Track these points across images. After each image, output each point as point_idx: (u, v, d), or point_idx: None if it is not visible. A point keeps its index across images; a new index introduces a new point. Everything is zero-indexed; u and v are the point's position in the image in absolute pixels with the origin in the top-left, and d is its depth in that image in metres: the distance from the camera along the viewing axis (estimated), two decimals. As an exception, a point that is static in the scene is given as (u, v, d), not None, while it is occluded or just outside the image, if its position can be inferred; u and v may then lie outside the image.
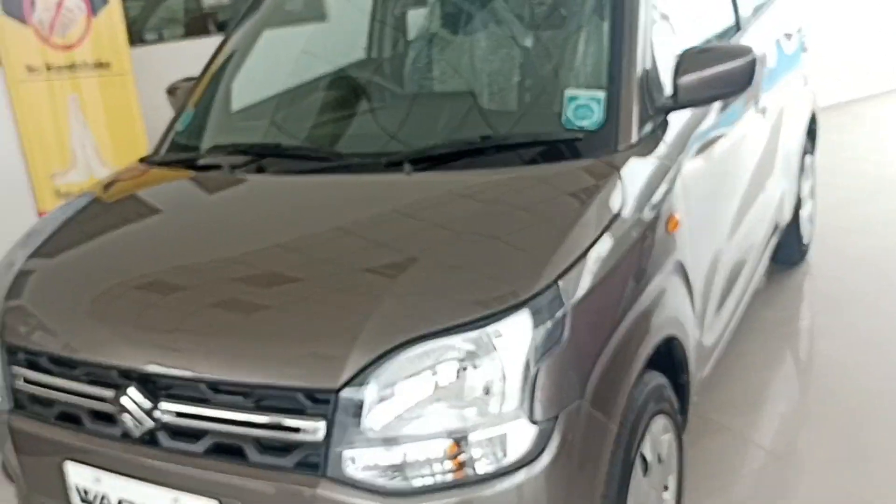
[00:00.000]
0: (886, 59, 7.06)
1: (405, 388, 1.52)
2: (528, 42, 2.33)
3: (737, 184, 2.60)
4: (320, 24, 2.94)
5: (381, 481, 1.52)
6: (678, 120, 2.18)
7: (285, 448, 1.56)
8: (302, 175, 2.08)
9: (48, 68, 4.29)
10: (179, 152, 2.45)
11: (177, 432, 1.66)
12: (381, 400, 1.52)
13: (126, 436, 1.69)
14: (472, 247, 1.70)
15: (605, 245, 1.73)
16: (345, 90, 2.55)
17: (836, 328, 3.39)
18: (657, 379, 1.95)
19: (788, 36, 3.47)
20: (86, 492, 1.75)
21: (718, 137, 2.43)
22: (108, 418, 1.71)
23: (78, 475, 1.76)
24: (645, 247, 1.86)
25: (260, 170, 2.15)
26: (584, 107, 2.03)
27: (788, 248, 3.88)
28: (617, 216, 1.79)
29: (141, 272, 1.86)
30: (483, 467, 1.53)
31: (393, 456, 1.52)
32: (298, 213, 1.97)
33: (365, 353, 1.51)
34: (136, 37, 4.73)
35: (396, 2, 2.81)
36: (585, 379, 1.61)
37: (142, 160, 2.46)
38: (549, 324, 1.56)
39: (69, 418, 1.78)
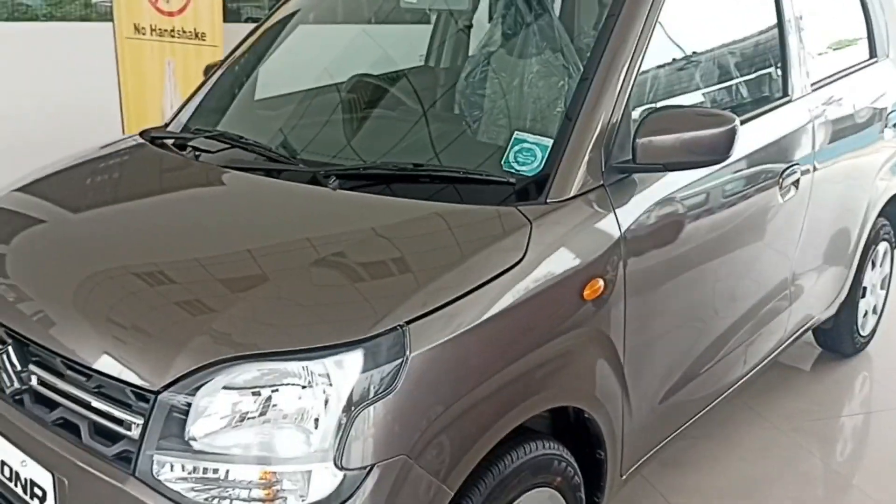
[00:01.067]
0: None
1: (226, 404, 1.50)
2: (498, 78, 2.24)
3: (730, 266, 2.38)
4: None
5: (190, 493, 1.51)
6: (647, 183, 2.04)
7: (111, 437, 1.59)
8: (244, 172, 2.11)
9: (152, 30, 4.58)
10: (180, 130, 2.55)
11: (38, 398, 1.72)
12: (203, 412, 1.51)
13: (1, 391, 1.77)
14: (338, 274, 1.66)
15: (483, 296, 1.63)
16: (333, 97, 2.57)
17: (847, 439, 3.08)
18: (546, 450, 1.84)
19: (864, 111, 3.15)
20: (-34, 436, 1.86)
21: (709, 212, 2.24)
22: (-7, 372, 1.80)
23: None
24: (544, 307, 1.75)
25: (221, 160, 2.20)
26: (527, 151, 1.93)
27: (839, 339, 3.55)
28: (510, 269, 1.69)
29: (52, 238, 1.97)
30: (290, 501, 1.49)
31: (206, 471, 1.51)
32: (210, 206, 2.01)
33: (189, 360, 1.50)
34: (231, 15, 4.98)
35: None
36: (418, 434, 1.53)
37: (141, 133, 2.57)
38: (383, 369, 1.50)
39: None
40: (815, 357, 3.67)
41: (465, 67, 2.47)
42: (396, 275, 1.66)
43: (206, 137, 2.35)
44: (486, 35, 2.66)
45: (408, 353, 1.52)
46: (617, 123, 1.97)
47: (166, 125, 2.70)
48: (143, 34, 4.60)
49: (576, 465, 1.95)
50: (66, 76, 4.82)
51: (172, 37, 4.55)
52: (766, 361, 2.86)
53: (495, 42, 2.54)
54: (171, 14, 4.51)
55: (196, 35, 4.50)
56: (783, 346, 2.98)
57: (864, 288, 3.53)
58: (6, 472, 1.76)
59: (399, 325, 1.52)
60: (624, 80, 1.99)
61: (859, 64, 3.23)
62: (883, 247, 3.60)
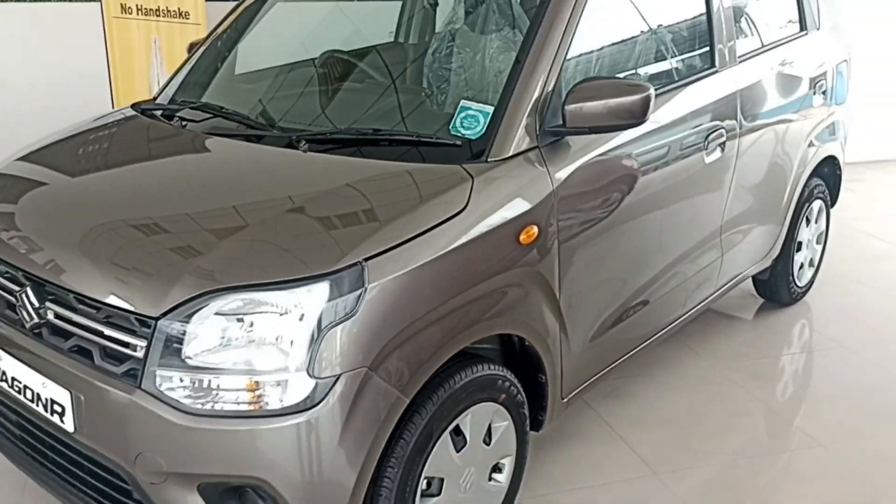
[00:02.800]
0: None
1: (216, 328, 1.81)
2: (451, 53, 2.54)
3: (656, 216, 2.69)
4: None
5: (187, 401, 1.83)
6: (578, 144, 2.35)
7: (120, 359, 1.89)
8: (226, 138, 2.41)
9: (138, 10, 4.82)
10: (167, 102, 2.84)
11: (54, 330, 2.03)
12: (196, 334, 1.82)
13: (23, 326, 2.07)
14: (305, 222, 1.97)
15: (430, 239, 1.95)
16: (306, 71, 2.87)
17: (780, 377, 3.43)
18: (490, 370, 2.16)
19: (793, 80, 3.46)
20: (-8, 366, 2.16)
21: (635, 169, 2.55)
22: (14, 310, 2.10)
23: (-12, 353, 2.17)
24: (484, 249, 2.06)
25: (204, 128, 2.50)
26: (472, 117, 2.23)
27: (776, 289, 3.89)
28: (453, 216, 2.00)
29: (62, 194, 2.28)
30: (271, 405, 1.81)
31: (201, 382, 1.82)
32: (196, 168, 2.33)
33: (182, 292, 1.82)
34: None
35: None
36: (376, 350, 1.85)
37: (134, 105, 2.85)
38: (345, 297, 1.81)
39: (-9, 306, 2.19)
40: (757, 307, 4.01)
41: (432, 43, 2.76)
42: (356, 221, 1.97)
43: (192, 108, 2.65)
44: (451, 13, 2.95)
45: (366, 284, 1.83)
46: (550, 93, 2.27)
47: (154, 98, 2.99)
48: (130, 14, 4.85)
49: (519, 385, 2.28)
50: (56, 54, 5.07)
51: (157, 16, 4.80)
52: (700, 306, 3.19)
53: (458, 19, 2.84)
54: (156, -6, 4.77)
55: (180, 14, 4.76)
56: (718, 293, 3.31)
57: (800, 242, 3.86)
58: (28, 394, 2.06)
59: (359, 262, 1.84)
60: (556, 55, 2.29)
61: (790, 36, 3.54)
62: (817, 204, 3.93)
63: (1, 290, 2.15)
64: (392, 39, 3.54)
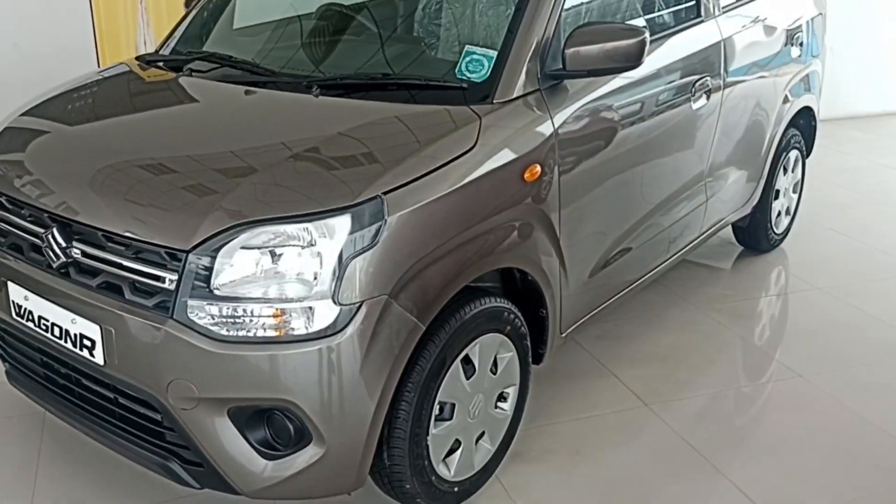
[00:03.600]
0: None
1: (244, 260, 1.91)
2: (455, 1, 2.64)
3: (648, 159, 2.82)
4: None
5: (217, 329, 1.93)
6: (576, 87, 2.46)
7: (150, 292, 1.99)
8: (237, 84, 2.48)
9: (123, -30, 4.81)
10: (169, 54, 2.90)
11: (82, 269, 2.11)
12: (225, 266, 1.92)
13: (49, 266, 2.15)
14: (328, 158, 2.08)
15: (443, 175, 2.06)
16: (308, 23, 2.94)
17: (760, 317, 3.60)
18: (497, 303, 2.29)
19: (772, 31, 3.59)
20: (19, 307, 2.24)
21: (629, 112, 2.67)
22: (39, 251, 2.18)
23: (15, 293, 2.24)
24: (492, 186, 2.18)
25: (213, 76, 2.57)
26: (477, 62, 2.34)
27: (755, 236, 4.06)
28: (463, 154, 2.12)
29: (81, 142, 2.35)
30: (297, 331, 1.92)
31: (230, 311, 1.93)
32: (214, 113, 2.42)
33: (213, 225, 1.91)
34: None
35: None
36: (395, 279, 1.96)
37: (138, 57, 2.91)
38: (366, 229, 1.92)
39: (15, 248, 2.26)
40: (736, 255, 4.18)
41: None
42: (373, 160, 2.08)
43: (198, 59, 2.71)
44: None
45: (386, 216, 1.94)
46: (550, 38, 2.38)
47: (157, 51, 3.04)
48: (115, -26, 4.85)
49: (522, 318, 2.41)
50: (40, 15, 5.03)
51: (143, -24, 4.80)
52: (687, 248, 3.34)
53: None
54: (141, -46, 4.76)
55: (167, -26, 4.76)
56: (703, 236, 3.46)
57: (777, 191, 4.03)
58: (56, 332, 2.15)
59: (378, 195, 1.95)
60: (555, 2, 2.40)
61: (768, -10, 3.67)
62: (794, 154, 4.09)
63: (26, 234, 2.23)
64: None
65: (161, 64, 2.80)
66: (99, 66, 5.13)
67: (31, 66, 4.97)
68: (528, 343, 2.47)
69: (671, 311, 3.57)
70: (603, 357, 3.19)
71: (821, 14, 4.04)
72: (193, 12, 3.13)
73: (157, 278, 1.97)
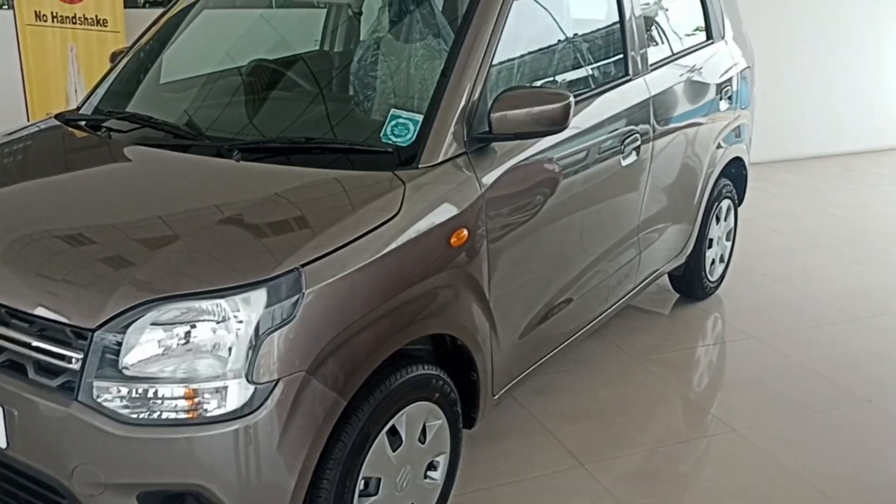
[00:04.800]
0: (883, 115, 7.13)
1: (153, 338, 1.83)
2: (384, 61, 2.62)
3: (578, 217, 2.82)
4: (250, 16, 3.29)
5: (125, 411, 1.84)
6: (503, 149, 2.45)
7: (55, 372, 1.89)
8: (157, 148, 2.41)
9: (54, 17, 4.72)
10: (91, 113, 2.81)
11: (-13, 346, 2.01)
12: (134, 345, 1.84)
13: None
14: (243, 229, 2.02)
15: (365, 244, 2.01)
16: (237, 79, 2.88)
17: (696, 367, 3.61)
18: (424, 370, 2.24)
19: (701, 86, 3.66)
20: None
21: (558, 172, 2.67)
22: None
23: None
24: (417, 253, 2.14)
25: (133, 139, 2.50)
26: (402, 125, 2.31)
27: (691, 284, 4.10)
28: (387, 221, 2.07)
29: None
30: (211, 411, 1.84)
31: (139, 392, 1.84)
32: (132, 178, 2.34)
33: (120, 301, 1.83)
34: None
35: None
36: (314, 354, 1.90)
37: (57, 115, 2.82)
38: (283, 304, 1.86)
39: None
40: (673, 302, 4.21)
41: (357, 52, 2.83)
42: (292, 228, 2.02)
43: (119, 118, 2.64)
44: (375, 22, 3.02)
45: (304, 289, 1.88)
46: (476, 101, 2.37)
47: (78, 108, 2.95)
48: (45, 21, 4.74)
49: (452, 384, 2.36)
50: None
51: (74, 23, 4.71)
52: (621, 302, 3.35)
53: (383, 28, 2.91)
54: (71, 2, 4.67)
55: (98, 21, 4.68)
56: (636, 290, 3.47)
57: (711, 239, 4.08)
58: (-44, 411, 2.03)
59: (296, 268, 1.89)
60: (481, 65, 2.39)
61: (697, 46, 3.74)
62: (726, 203, 4.15)
63: None
64: (318, 48, 3.59)
65: (82, 123, 2.71)
66: (28, 116, 5.01)
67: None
68: (459, 408, 2.42)
69: (608, 363, 3.56)
70: (540, 413, 3.15)
71: (749, 67, 4.13)
72: (119, 67, 3.06)
73: (62, 357, 1.87)
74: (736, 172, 4.20)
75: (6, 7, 4.85)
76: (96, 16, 4.66)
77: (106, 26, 4.67)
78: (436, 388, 2.29)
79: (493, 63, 2.47)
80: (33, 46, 4.79)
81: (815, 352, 3.70)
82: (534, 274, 2.68)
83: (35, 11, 4.73)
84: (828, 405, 3.27)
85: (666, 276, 4.01)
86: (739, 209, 4.35)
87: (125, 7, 4.84)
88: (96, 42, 4.71)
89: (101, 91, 2.96)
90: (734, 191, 4.20)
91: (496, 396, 2.61)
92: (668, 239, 3.61)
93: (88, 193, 2.27)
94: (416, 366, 2.22)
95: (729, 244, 4.32)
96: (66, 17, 4.70)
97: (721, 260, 4.25)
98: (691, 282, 4.07)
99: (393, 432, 2.20)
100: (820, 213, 5.67)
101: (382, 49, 2.79)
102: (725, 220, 4.18)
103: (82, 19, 4.69)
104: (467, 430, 2.56)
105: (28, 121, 4.92)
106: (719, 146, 3.86)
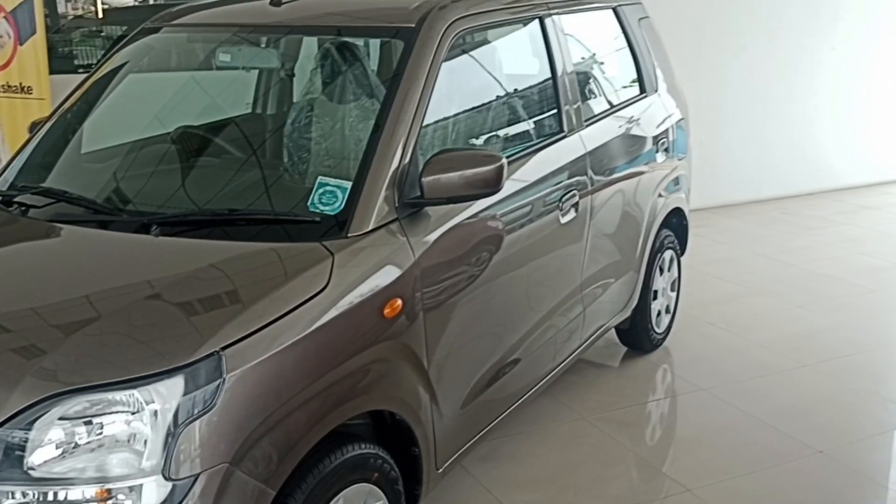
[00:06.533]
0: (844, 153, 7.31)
1: (61, 434, 1.69)
2: (310, 123, 2.54)
3: (518, 278, 2.75)
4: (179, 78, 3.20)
5: (34, 517, 1.68)
6: (437, 213, 2.38)
7: (-45, 473, 1.73)
8: (73, 224, 2.28)
9: (-24, 85, 4.57)
10: (7, 188, 2.66)
11: None
12: (39, 443, 1.69)
13: None
14: (157, 311, 1.89)
15: (292, 321, 1.91)
16: (161, 147, 2.78)
17: (647, 424, 3.54)
18: (362, 450, 2.12)
19: (637, 139, 3.66)
20: None
21: (495, 233, 2.61)
22: None
23: None
24: (348, 327, 2.04)
25: (47, 215, 2.36)
26: (330, 193, 2.22)
27: (637, 337, 4.05)
28: (314, 296, 1.97)
29: None
30: (127, 513, 1.70)
31: (47, 495, 1.69)
32: (38, 258, 2.20)
33: (24, 396, 1.69)
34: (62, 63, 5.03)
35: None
36: (238, 443, 1.77)
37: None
38: (202, 390, 1.74)
39: None
40: (622, 355, 4.15)
41: (290, 115, 2.75)
42: (211, 308, 1.91)
43: (33, 193, 2.50)
44: (307, 84, 2.95)
45: (224, 374, 1.76)
46: (407, 164, 2.30)
47: (-8, 183, 2.80)
48: (-33, 89, 4.59)
49: (392, 461, 2.24)
50: None
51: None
52: (568, 360, 3.27)
53: (315, 90, 2.84)
54: (-5, 69, 4.54)
55: (22, 89, 4.54)
56: (583, 347, 3.41)
57: (655, 291, 4.05)
58: None
59: (216, 351, 1.77)
60: (410, 129, 2.33)
61: (631, 100, 3.75)
62: (668, 254, 4.13)
63: None
64: (249, 111, 3.51)
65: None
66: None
67: None
68: (401, 487, 2.30)
69: (558, 424, 3.46)
70: (489, 482, 3.03)
71: (684, 118, 4.16)
72: (37, 138, 2.92)
73: (-38, 460, 1.72)
74: (677, 222, 4.20)
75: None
76: (20, 83, 4.52)
77: (31, 93, 4.53)
78: (374, 467, 2.17)
79: (424, 124, 2.42)
80: (-45, 115, 4.64)
81: (764, 402, 3.66)
82: (475, 339, 2.59)
83: (-44, 80, 4.59)
84: (780, 458, 3.22)
85: (613, 331, 3.96)
86: (682, 259, 4.35)
87: (55, 73, 4.70)
88: (21, 110, 4.56)
89: (17, 164, 2.82)
90: (676, 241, 4.19)
91: (440, 470, 2.50)
92: (613, 293, 3.56)
93: (2, 276, 2.12)
94: (352, 445, 2.10)
95: (674, 294, 4.29)
96: (-10, 85, 4.56)
97: (667, 311, 4.22)
98: (638, 335, 4.03)
99: (330, 518, 2.08)
100: (761, 257, 5.72)
101: (315, 111, 2.72)
102: (669, 270, 4.17)
103: (6, 87, 4.55)
104: (411, 507, 2.44)
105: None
106: (659, 197, 3.86)
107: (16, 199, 2.47)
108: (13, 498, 1.68)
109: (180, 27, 3.12)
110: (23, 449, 1.69)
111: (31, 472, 1.68)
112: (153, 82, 3.39)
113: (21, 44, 4.47)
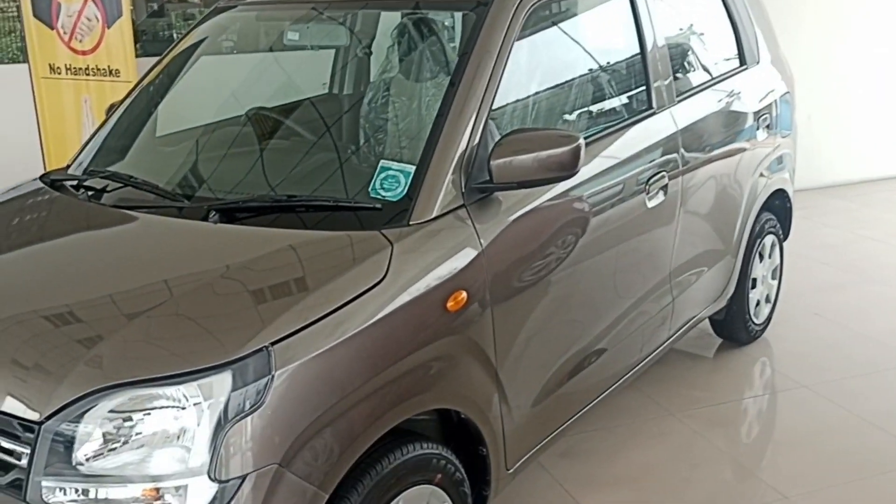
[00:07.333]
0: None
1: (110, 429, 1.64)
2: (386, 104, 2.41)
3: (598, 269, 2.57)
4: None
5: (80, 514, 1.64)
6: (511, 199, 2.22)
7: (4, 467, 1.71)
8: (133, 210, 2.23)
9: (67, 69, 4.66)
10: (81, 173, 2.66)
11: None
12: (87, 438, 1.64)
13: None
14: (208, 303, 1.81)
15: (346, 315, 1.79)
16: (233, 130, 2.71)
17: (741, 423, 3.30)
18: (423, 450, 2.00)
19: (736, 115, 3.39)
20: None
21: (573, 220, 2.43)
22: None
23: None
24: (407, 321, 1.91)
25: (110, 201, 2.33)
26: (392, 178, 2.10)
27: (733, 328, 3.79)
28: (371, 288, 1.85)
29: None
30: (173, 516, 1.63)
31: (93, 492, 1.64)
32: (95, 248, 2.15)
33: (70, 391, 1.64)
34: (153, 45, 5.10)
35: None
36: (288, 443, 1.68)
37: (42, 176, 2.67)
38: (251, 387, 1.65)
39: None
40: (717, 346, 3.90)
41: (366, 95, 2.63)
42: (262, 301, 1.81)
43: (101, 178, 2.48)
44: (383, 63, 2.83)
45: (273, 371, 1.67)
46: (476, 146, 2.15)
47: (67, 167, 2.81)
48: (59, 73, 4.69)
49: (456, 462, 2.11)
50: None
51: (87, 75, 4.63)
52: (656, 352, 3.06)
53: (391, 69, 2.71)
54: (84, 53, 4.60)
55: (110, 72, 4.59)
56: (673, 338, 3.19)
57: (754, 279, 3.77)
58: None
59: (264, 347, 1.67)
60: (480, 108, 2.17)
61: (730, 72, 3.47)
62: (770, 239, 3.84)
63: None
64: (326, 91, 3.42)
65: (67, 184, 2.55)
66: (45, 167, 4.95)
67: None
68: (467, 489, 2.17)
69: (644, 420, 3.27)
70: (566, 480, 2.87)
71: (789, 91, 3.84)
72: (112, 121, 2.91)
73: (10, 452, 1.69)
74: (779, 205, 3.89)
75: (21, 60, 4.83)
76: (108, 66, 4.57)
77: (118, 76, 4.57)
78: (437, 468, 2.05)
79: (497, 103, 2.26)
80: (48, 99, 4.74)
81: (872, 402, 3.35)
82: (551, 332, 2.43)
83: (49, 64, 4.68)
84: (889, 466, 2.92)
85: (707, 320, 3.71)
86: (785, 244, 4.04)
87: (143, 56, 4.76)
88: (109, 93, 4.60)
89: (93, 147, 2.82)
90: (778, 225, 3.89)
91: (511, 470, 2.35)
92: (707, 282, 3.32)
93: (54, 266, 2.09)
94: (414, 445, 1.98)
95: (775, 282, 3.99)
96: (79, 69, 4.63)
97: (767, 300, 3.93)
98: (734, 326, 3.76)
99: (390, 520, 1.97)
100: (872, 242, 5.28)
101: (392, 91, 2.60)
102: (770, 256, 3.87)
103: (95, 70, 4.61)
104: (480, 508, 2.31)
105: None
106: (760, 177, 3.57)
107: (83, 184, 2.46)
108: (60, 493, 1.64)
109: (254, 5, 3.05)
110: (70, 446, 1.64)
111: (79, 467, 1.64)
112: (228, 63, 3.36)
113: (108, 27, 4.52)
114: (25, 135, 4.81)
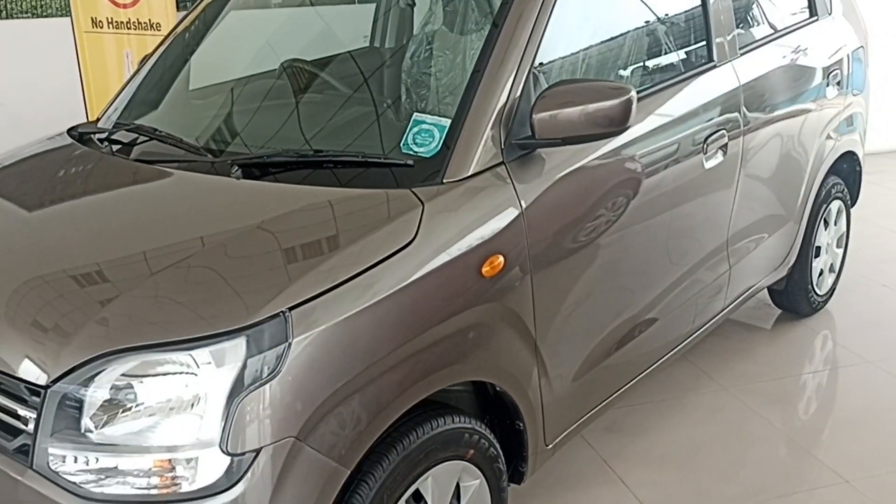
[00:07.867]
0: None
1: (116, 396, 1.54)
2: (416, 65, 2.25)
3: (648, 233, 2.38)
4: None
5: (85, 483, 1.55)
6: (555, 157, 2.05)
7: (13, 432, 1.63)
8: (158, 165, 2.13)
9: (109, 23, 4.59)
10: (110, 126, 2.56)
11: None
12: (95, 403, 1.55)
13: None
14: (223, 264, 1.69)
15: (371, 279, 1.66)
16: (267, 83, 2.58)
17: (799, 400, 3.10)
18: (454, 424, 1.87)
19: (804, 71, 3.14)
20: None
21: (622, 181, 2.25)
22: None
23: None
24: (438, 287, 1.77)
25: (135, 155, 2.23)
26: (426, 132, 1.94)
27: (794, 299, 3.57)
28: (399, 251, 1.71)
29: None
30: (182, 487, 1.54)
31: (100, 461, 1.55)
32: (110, 204, 2.05)
33: (77, 354, 1.55)
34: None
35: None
36: (306, 415, 1.56)
37: (70, 129, 2.59)
38: (268, 354, 1.53)
39: None
40: (775, 318, 3.69)
41: (409, 47, 2.47)
42: (280, 262, 1.69)
43: (127, 131, 2.38)
44: (426, 15, 2.66)
45: (291, 338, 1.55)
46: (517, 99, 1.98)
47: (97, 120, 2.72)
48: (101, 27, 4.62)
49: (491, 437, 1.98)
50: (27, 72, 4.85)
51: (128, 28, 4.56)
52: (710, 323, 2.88)
53: (434, 21, 2.54)
54: (125, 6, 4.53)
55: (151, 25, 4.51)
56: (729, 309, 3.00)
57: (818, 247, 3.54)
58: None
59: (281, 312, 1.55)
60: (522, 58, 2.00)
61: (798, 24, 3.21)
62: (836, 205, 3.60)
63: None
64: (367, 44, 3.27)
65: (94, 137, 2.46)
66: (87, 120, 4.91)
67: (17, 121, 4.77)
68: (502, 465, 2.04)
69: (694, 394, 3.09)
70: (610, 456, 2.73)
71: (862, 46, 3.56)
72: (143, 73, 2.81)
73: (17, 416, 1.61)
74: (848, 168, 3.64)
75: (64, 14, 4.77)
76: (149, 20, 4.49)
77: (159, 30, 4.49)
78: (469, 443, 1.92)
79: (542, 56, 2.08)
80: (91, 53, 4.68)
81: (946, 381, 3.13)
82: (597, 300, 2.26)
83: (91, 18, 4.61)
84: (963, 450, 2.72)
85: (766, 290, 3.50)
86: (852, 210, 3.78)
87: (183, 10, 4.67)
88: (150, 46, 4.52)
89: (124, 99, 2.72)
90: (846, 190, 3.64)
91: (550, 446, 2.22)
92: (767, 249, 3.11)
93: (78, 223, 1.99)
94: (444, 418, 1.85)
95: (840, 251, 3.75)
96: (121, 23, 4.55)
97: (831, 270, 3.69)
98: (795, 296, 3.53)
99: (417, 497, 1.86)
100: (950, 210, 4.97)
101: (435, 43, 2.43)
102: (836, 224, 3.62)
103: (136, 24, 4.53)
104: (516, 485, 2.19)
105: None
106: (827, 139, 3.32)
107: (110, 138, 2.36)
108: (67, 461, 1.56)
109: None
110: (79, 409, 1.55)
111: (88, 434, 1.55)
112: (266, 15, 3.23)
113: (150, -21, 4.45)
114: (70, 88, 4.79)
